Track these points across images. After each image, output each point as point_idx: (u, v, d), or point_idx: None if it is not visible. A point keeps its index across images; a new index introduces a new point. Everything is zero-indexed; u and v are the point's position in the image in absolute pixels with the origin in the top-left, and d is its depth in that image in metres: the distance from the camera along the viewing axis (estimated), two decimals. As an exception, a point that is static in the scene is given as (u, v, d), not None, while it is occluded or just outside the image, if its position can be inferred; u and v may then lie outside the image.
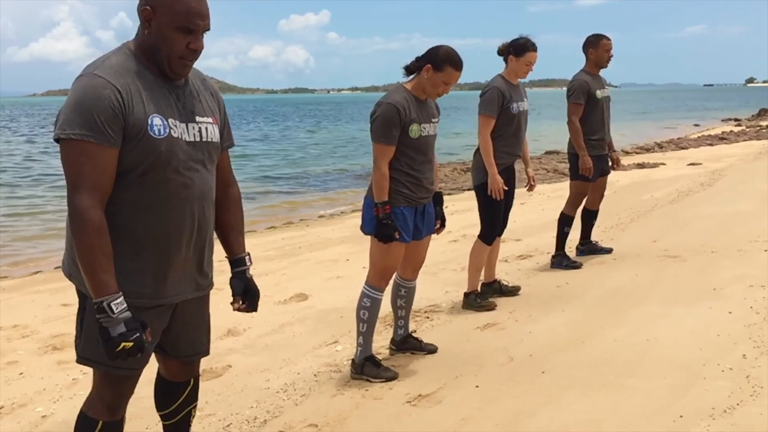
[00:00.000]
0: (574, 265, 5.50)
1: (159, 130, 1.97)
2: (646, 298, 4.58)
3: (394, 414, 3.09)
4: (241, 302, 2.27)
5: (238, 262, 2.30)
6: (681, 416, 2.87)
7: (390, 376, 3.47)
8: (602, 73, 5.54)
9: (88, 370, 2.19)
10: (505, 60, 4.56)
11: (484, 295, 4.66)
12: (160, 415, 2.44)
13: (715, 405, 2.95)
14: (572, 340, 3.86)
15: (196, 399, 2.45)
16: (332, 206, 11.40)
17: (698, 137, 20.60)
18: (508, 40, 4.59)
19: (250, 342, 4.21)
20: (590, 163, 5.32)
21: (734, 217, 7.06)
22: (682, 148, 16.95)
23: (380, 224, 3.35)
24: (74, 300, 2.13)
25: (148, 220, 2.01)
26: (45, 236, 9.05)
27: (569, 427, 2.86)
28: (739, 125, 26.03)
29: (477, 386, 3.34)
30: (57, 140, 1.94)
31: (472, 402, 3.16)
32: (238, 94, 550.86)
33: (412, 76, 3.46)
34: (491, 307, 4.53)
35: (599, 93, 5.40)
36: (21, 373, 3.87)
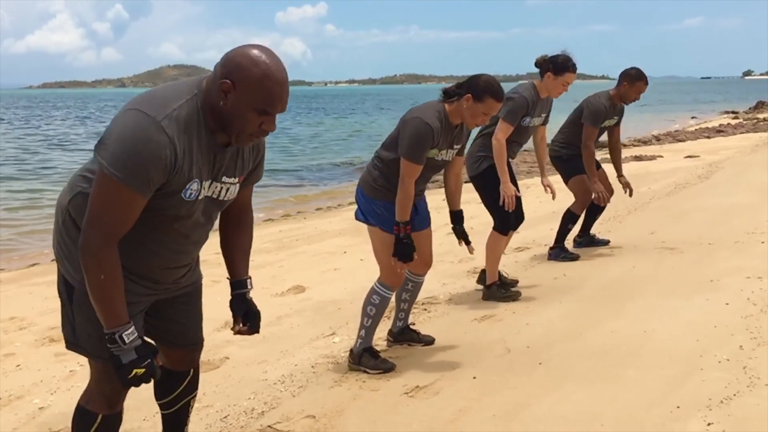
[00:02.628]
0: (572, 257, 5.50)
1: (191, 195, 1.96)
2: (643, 290, 4.58)
3: (391, 405, 3.09)
4: (241, 324, 2.26)
5: (239, 284, 2.29)
6: (678, 407, 2.87)
7: (387, 368, 3.47)
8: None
9: (85, 362, 2.19)
10: (541, 73, 4.51)
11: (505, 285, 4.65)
12: (159, 404, 2.45)
13: (712, 396, 2.95)
14: (570, 332, 3.87)
15: (196, 389, 2.46)
16: (332, 200, 11.37)
17: (695, 130, 20.59)
18: (548, 54, 4.55)
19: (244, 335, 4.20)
20: (601, 188, 5.36)
21: (731, 210, 7.07)
22: (680, 141, 16.95)
23: (400, 243, 3.32)
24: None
25: (138, 254, 2.01)
26: (41, 231, 9.01)
27: (567, 417, 2.87)
28: (737, 118, 26.04)
29: (474, 377, 3.34)
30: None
31: (470, 393, 3.17)
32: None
33: (451, 100, 3.39)
34: (516, 297, 4.51)
35: (607, 122, 5.50)
36: (18, 365, 3.87)
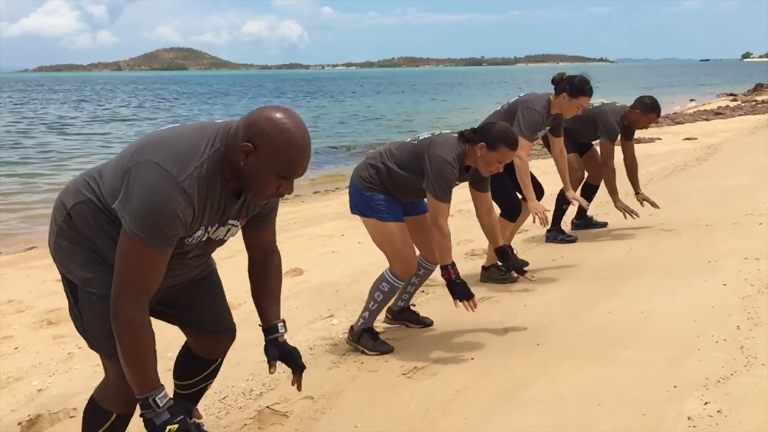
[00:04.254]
0: (569, 239, 5.50)
1: (194, 240, 1.98)
2: (641, 271, 4.59)
3: (389, 386, 3.10)
4: (275, 368, 2.26)
5: (271, 329, 2.29)
6: (675, 386, 2.89)
7: (386, 350, 3.48)
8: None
9: (84, 344, 2.18)
10: (557, 91, 4.48)
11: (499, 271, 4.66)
12: (176, 384, 2.45)
13: (708, 375, 2.97)
14: (567, 313, 3.87)
15: (215, 375, 2.47)
16: (330, 183, 11.34)
17: (694, 112, 20.53)
18: (566, 73, 4.55)
19: (246, 316, 4.19)
20: (624, 205, 5.47)
21: (729, 191, 7.06)
22: (678, 123, 16.90)
23: (453, 285, 3.31)
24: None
25: None
26: (38, 215, 8.99)
27: (564, 397, 2.88)
28: (735, 100, 25.95)
29: (472, 359, 3.35)
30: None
31: (467, 374, 3.18)
32: (232, 70, 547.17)
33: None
34: (513, 280, 4.51)
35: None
36: (16, 348, 3.87)
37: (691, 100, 29.16)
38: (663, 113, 20.77)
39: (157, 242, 1.84)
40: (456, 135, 3.40)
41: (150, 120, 26.97)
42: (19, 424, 2.95)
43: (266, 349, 2.28)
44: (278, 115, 1.86)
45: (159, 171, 1.84)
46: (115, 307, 1.87)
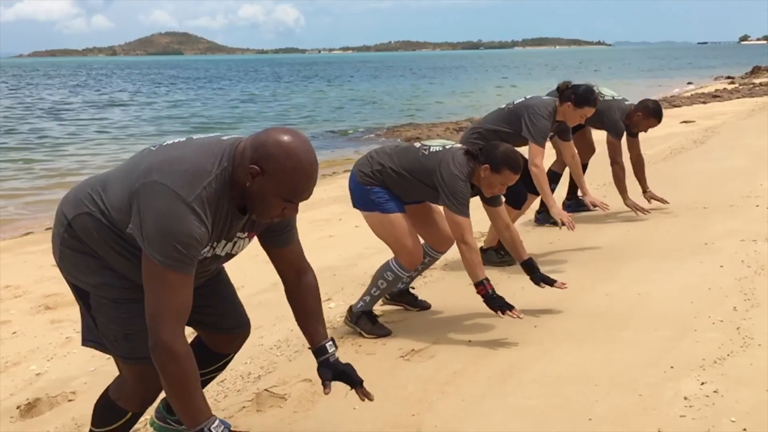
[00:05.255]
0: (554, 222, 5.49)
1: (200, 257, 1.95)
2: (638, 254, 4.60)
3: (387, 368, 3.11)
4: (330, 388, 2.25)
5: (321, 351, 2.28)
6: (672, 367, 2.90)
7: (383, 333, 3.49)
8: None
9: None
10: (561, 100, 4.44)
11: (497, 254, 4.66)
12: None
13: (705, 356, 2.98)
14: (564, 295, 3.87)
15: (225, 367, 2.49)
16: (328, 168, 11.31)
17: (691, 95, 20.48)
18: (571, 82, 4.51)
19: (244, 300, 4.14)
20: (634, 203, 5.46)
21: (727, 174, 7.07)
22: (675, 106, 16.87)
23: (492, 300, 3.28)
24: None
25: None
26: (35, 201, 8.96)
27: (561, 378, 2.89)
28: (733, 83, 25.90)
29: (469, 341, 3.36)
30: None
31: (465, 356, 3.19)
32: (228, 55, 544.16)
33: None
34: (512, 262, 4.51)
35: None
36: (14, 333, 3.88)
37: (689, 83, 29.10)
38: (660, 96, 20.78)
39: (178, 265, 1.82)
40: (464, 151, 3.36)
41: (146, 105, 26.86)
42: (18, 407, 2.96)
43: (319, 371, 2.28)
44: (286, 139, 1.85)
45: (168, 193, 1.82)
46: (153, 339, 1.83)
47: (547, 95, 4.81)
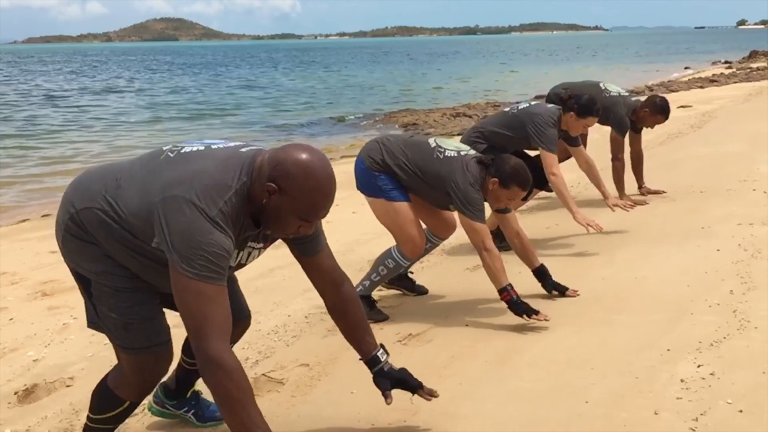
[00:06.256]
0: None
1: None
2: (635, 238, 4.60)
3: (385, 353, 3.11)
4: (392, 398, 2.25)
5: (373, 361, 2.28)
6: (668, 350, 2.91)
7: (381, 318, 3.49)
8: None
9: (79, 315, 2.19)
10: (564, 110, 4.39)
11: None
12: (183, 359, 2.47)
13: (702, 339, 2.99)
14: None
15: None
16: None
17: (689, 80, 20.45)
18: (573, 91, 4.49)
19: (241, 285, 4.21)
20: (621, 202, 5.21)
21: (724, 158, 7.07)
22: (673, 91, 16.84)
23: (516, 306, 3.26)
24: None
25: (146, 278, 2.03)
26: (31, 189, 8.93)
27: (558, 361, 2.90)
28: (730, 67, 25.87)
29: (467, 325, 3.37)
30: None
31: (462, 340, 3.19)
32: (223, 41, 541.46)
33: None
34: (507, 248, 4.50)
35: None
36: (11, 319, 3.87)
37: (686, 68, 29.04)
38: (657, 81, 20.71)
39: (213, 276, 1.81)
40: (477, 160, 3.32)
41: (142, 91, 26.73)
42: (16, 393, 2.96)
43: (376, 381, 2.28)
44: (305, 157, 1.84)
45: (192, 208, 1.81)
46: (202, 357, 1.80)
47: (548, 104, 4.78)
